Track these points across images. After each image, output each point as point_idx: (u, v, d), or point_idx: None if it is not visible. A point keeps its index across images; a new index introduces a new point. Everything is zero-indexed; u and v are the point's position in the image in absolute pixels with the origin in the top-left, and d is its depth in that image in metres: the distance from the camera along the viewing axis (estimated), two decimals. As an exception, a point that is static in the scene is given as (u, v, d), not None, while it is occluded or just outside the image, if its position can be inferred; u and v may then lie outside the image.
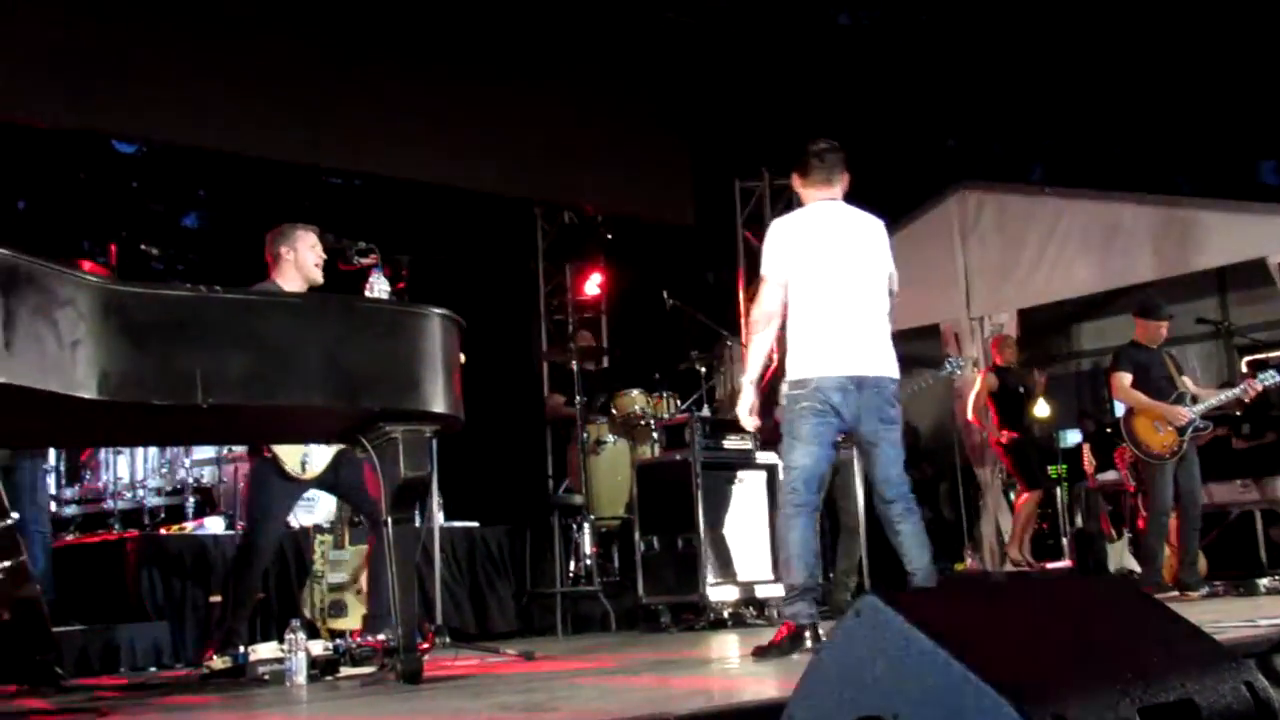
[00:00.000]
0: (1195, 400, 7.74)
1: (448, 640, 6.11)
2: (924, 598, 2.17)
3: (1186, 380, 7.90)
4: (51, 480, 7.66)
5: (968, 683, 1.90)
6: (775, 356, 5.64)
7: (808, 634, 4.86)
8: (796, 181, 5.40)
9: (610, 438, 8.52)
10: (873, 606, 2.07)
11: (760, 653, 4.79)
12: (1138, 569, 8.53)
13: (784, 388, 5.22)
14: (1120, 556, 9.40)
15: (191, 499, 7.72)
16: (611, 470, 8.44)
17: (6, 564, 5.04)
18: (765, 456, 7.60)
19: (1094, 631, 2.32)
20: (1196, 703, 2.13)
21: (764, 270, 5.26)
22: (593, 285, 11.48)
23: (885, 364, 5.11)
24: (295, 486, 5.36)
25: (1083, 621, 2.37)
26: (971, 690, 1.90)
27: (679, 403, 8.62)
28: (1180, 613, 2.59)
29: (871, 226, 5.32)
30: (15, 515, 5.14)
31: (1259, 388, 7.75)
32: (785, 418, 5.19)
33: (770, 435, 6.55)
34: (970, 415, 9.98)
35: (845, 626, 2.11)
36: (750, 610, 7.37)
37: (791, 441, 5.10)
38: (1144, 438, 7.64)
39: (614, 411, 8.55)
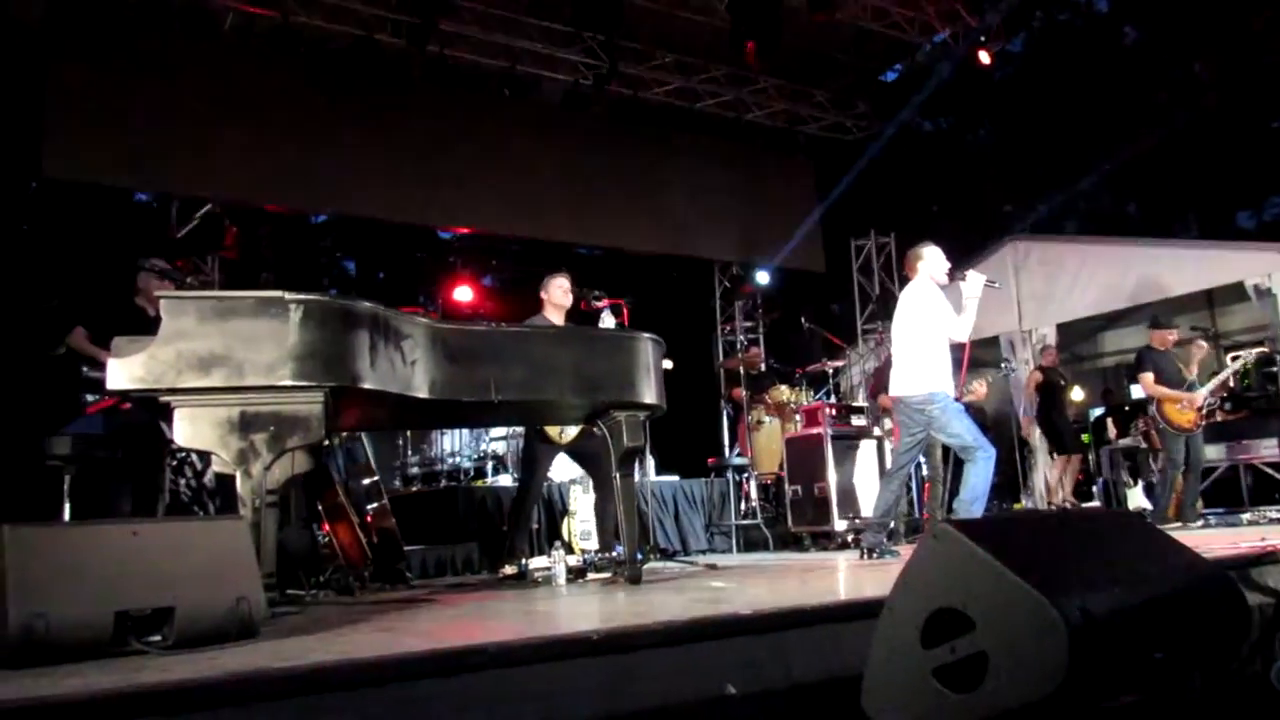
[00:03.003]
0: (1202, 385, 7.33)
1: (658, 555, 6.17)
2: (984, 526, 2.10)
3: (1192, 370, 7.47)
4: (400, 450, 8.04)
5: (1014, 583, 1.85)
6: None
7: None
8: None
9: (767, 418, 8.46)
10: (945, 531, 2.02)
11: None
12: (1149, 507, 8.11)
13: None
14: (1136, 498, 8.99)
15: (490, 463, 7.98)
16: (769, 441, 8.37)
17: (374, 505, 5.30)
18: (873, 431, 7.46)
19: (1111, 550, 2.21)
20: (1185, 597, 2.01)
21: None
22: (753, 315, 11.48)
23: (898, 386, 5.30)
24: (552, 449, 5.41)
25: (1102, 543, 2.26)
26: (1017, 588, 1.84)
27: (814, 394, 8.53)
28: (1179, 538, 2.45)
29: (905, 293, 5.40)
30: (376, 476, 5.42)
31: (1241, 362, 7.46)
32: None
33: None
34: (1026, 400, 9.64)
35: (928, 544, 2.07)
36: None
37: None
38: (1173, 418, 7.22)
39: (769, 400, 8.49)
